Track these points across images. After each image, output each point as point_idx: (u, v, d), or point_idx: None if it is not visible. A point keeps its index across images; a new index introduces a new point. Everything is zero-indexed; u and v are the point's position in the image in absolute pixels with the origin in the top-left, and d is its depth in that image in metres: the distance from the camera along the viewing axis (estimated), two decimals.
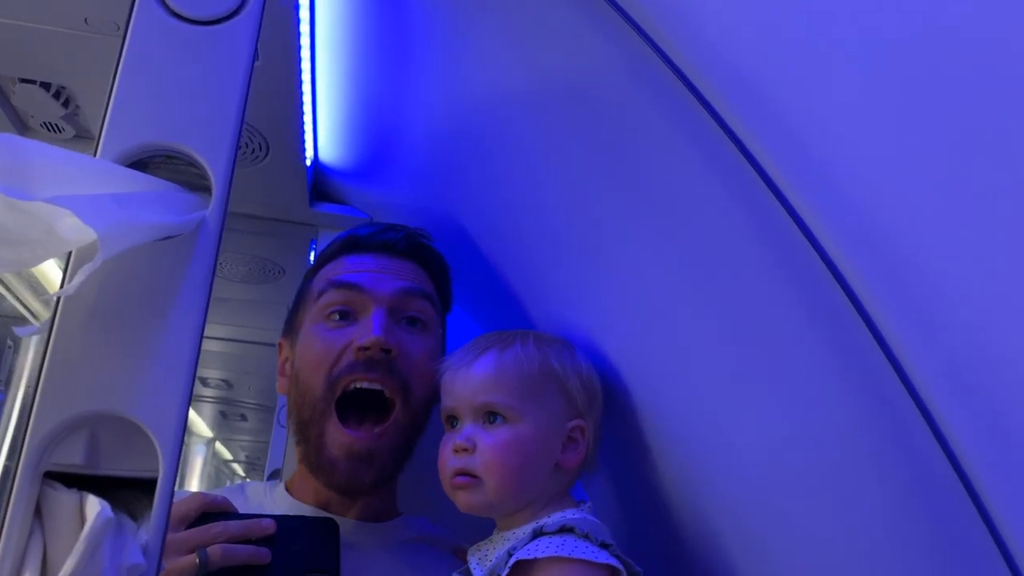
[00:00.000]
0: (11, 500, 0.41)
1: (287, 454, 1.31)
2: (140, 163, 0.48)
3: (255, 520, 0.73)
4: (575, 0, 0.63)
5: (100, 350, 0.43)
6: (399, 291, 0.86)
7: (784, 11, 0.50)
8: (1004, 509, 0.45)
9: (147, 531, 0.42)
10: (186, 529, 0.70)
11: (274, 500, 0.88)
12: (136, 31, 0.48)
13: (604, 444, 0.80)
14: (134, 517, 0.44)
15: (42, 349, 0.43)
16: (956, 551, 0.50)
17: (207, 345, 2.33)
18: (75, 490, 0.42)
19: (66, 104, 1.05)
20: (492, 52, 0.75)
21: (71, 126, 1.09)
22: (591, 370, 0.79)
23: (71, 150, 0.42)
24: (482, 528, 0.77)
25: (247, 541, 0.71)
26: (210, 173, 0.47)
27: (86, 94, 1.03)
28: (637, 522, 0.89)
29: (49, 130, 1.10)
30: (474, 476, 0.71)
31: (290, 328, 0.92)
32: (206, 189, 0.49)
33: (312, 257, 1.28)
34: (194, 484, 4.45)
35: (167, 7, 0.50)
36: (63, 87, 1.02)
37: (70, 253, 0.44)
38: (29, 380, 2.19)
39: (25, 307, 2.05)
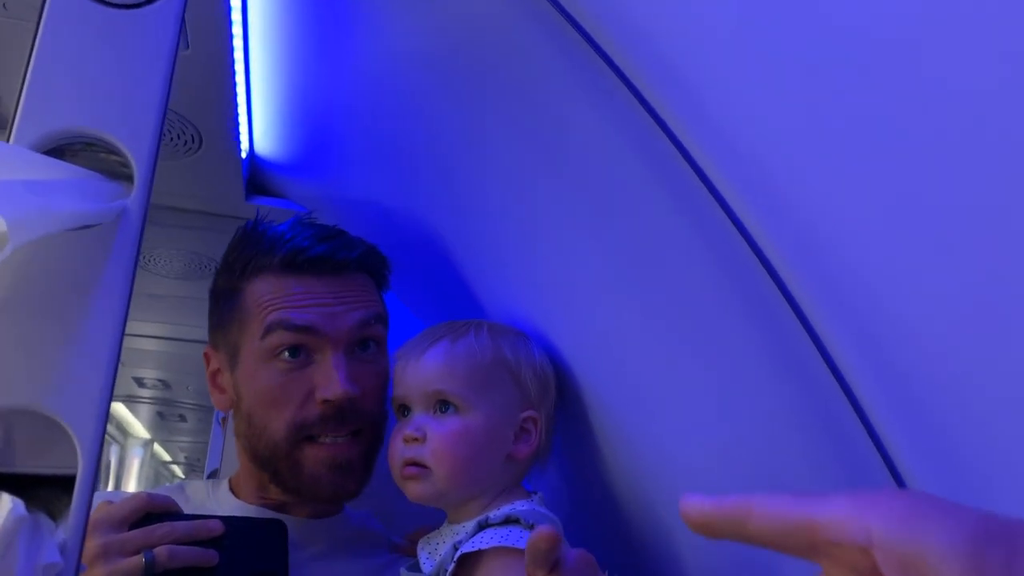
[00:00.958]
0: None
1: (225, 453, 1.29)
2: (58, 150, 0.47)
3: (202, 521, 0.71)
4: None
5: (14, 342, 0.42)
6: (355, 325, 0.81)
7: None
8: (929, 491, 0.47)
9: (65, 530, 0.41)
10: (130, 530, 0.68)
11: (218, 500, 0.86)
12: (52, 13, 0.47)
13: (554, 434, 0.81)
14: (54, 516, 0.43)
15: None
16: None
17: (143, 344, 2.27)
18: None
19: None
20: (427, 43, 0.75)
21: None
22: (545, 360, 0.79)
23: None
24: (431, 518, 0.77)
25: (194, 542, 0.69)
26: (131, 160, 0.46)
27: (4, 81, 0.99)
28: (586, 512, 0.90)
29: None
30: (424, 466, 0.71)
31: (221, 341, 0.86)
32: (128, 178, 0.48)
33: None
34: (131, 487, 4.35)
35: None
36: None
37: None
38: None
39: None
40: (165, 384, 2.94)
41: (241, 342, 0.82)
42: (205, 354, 0.88)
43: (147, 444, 4.54)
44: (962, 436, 0.45)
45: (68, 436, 0.42)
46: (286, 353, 0.79)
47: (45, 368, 0.42)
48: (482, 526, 0.67)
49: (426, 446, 0.71)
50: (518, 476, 0.76)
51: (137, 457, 4.51)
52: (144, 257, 1.52)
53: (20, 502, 0.39)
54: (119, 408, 3.69)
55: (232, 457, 0.93)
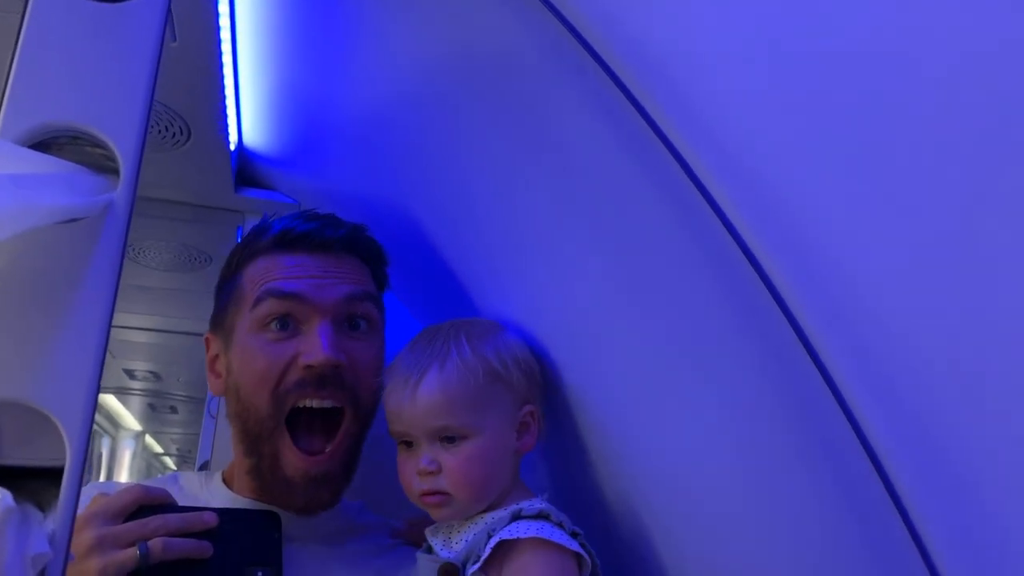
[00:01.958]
0: None
1: (216, 445, 1.29)
2: (43, 144, 0.47)
3: (197, 513, 0.72)
4: None
5: (1, 335, 0.42)
6: (343, 298, 0.83)
7: None
8: (921, 505, 0.47)
9: (54, 521, 0.41)
10: (125, 522, 0.68)
11: (211, 492, 0.86)
12: (37, 6, 0.47)
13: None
14: (42, 507, 0.43)
15: None
16: (876, 546, 0.52)
17: (133, 336, 2.27)
18: None
19: None
20: (415, 36, 0.75)
21: None
22: (524, 350, 0.79)
23: None
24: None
25: (188, 534, 0.70)
26: (117, 153, 0.46)
27: None
28: (573, 511, 0.90)
29: None
30: (444, 493, 0.72)
31: (219, 325, 0.88)
32: (115, 171, 0.48)
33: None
34: (123, 478, 4.34)
35: None
36: None
37: None
38: None
39: None
40: (156, 376, 2.94)
41: (236, 321, 0.84)
42: (206, 339, 0.90)
43: (138, 436, 4.54)
44: (957, 442, 0.45)
45: (56, 428, 0.42)
46: (275, 324, 0.81)
47: (32, 361, 0.42)
48: (516, 516, 0.69)
49: (442, 477, 0.72)
50: (518, 467, 0.77)
51: (128, 449, 4.51)
52: (134, 249, 1.52)
53: (8, 494, 0.40)
54: (110, 400, 3.68)
55: (223, 449, 0.93)
